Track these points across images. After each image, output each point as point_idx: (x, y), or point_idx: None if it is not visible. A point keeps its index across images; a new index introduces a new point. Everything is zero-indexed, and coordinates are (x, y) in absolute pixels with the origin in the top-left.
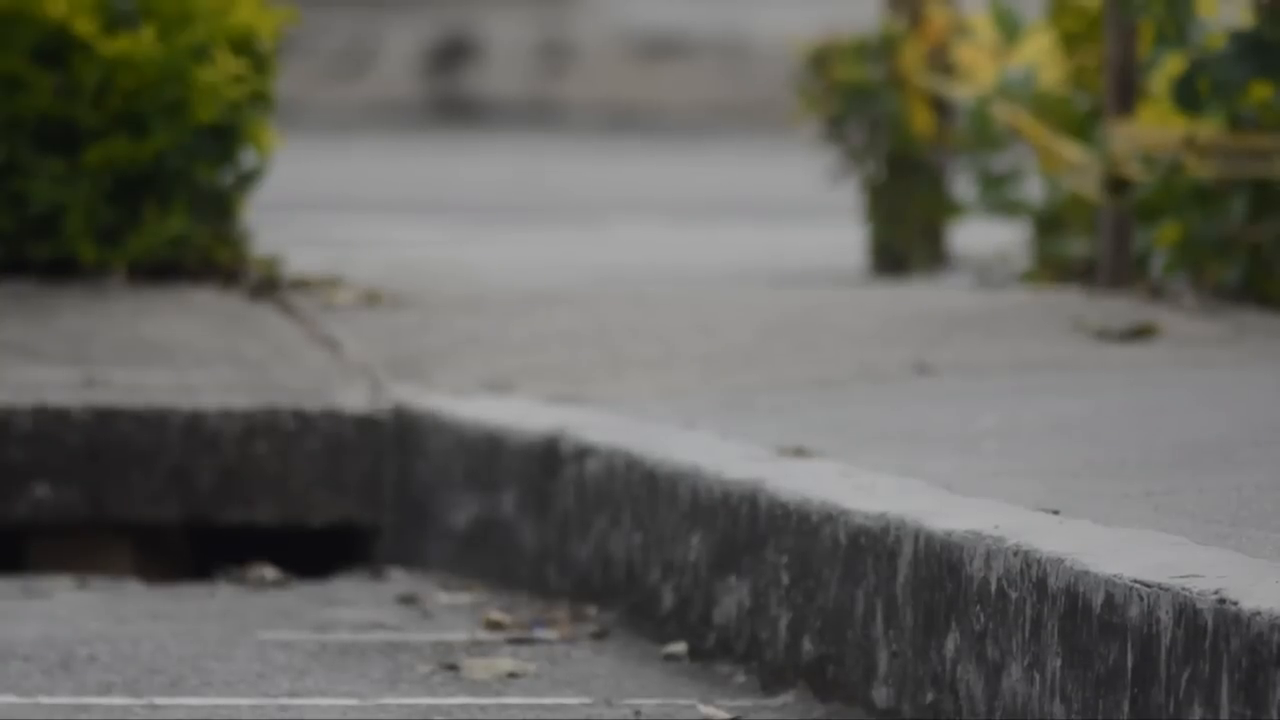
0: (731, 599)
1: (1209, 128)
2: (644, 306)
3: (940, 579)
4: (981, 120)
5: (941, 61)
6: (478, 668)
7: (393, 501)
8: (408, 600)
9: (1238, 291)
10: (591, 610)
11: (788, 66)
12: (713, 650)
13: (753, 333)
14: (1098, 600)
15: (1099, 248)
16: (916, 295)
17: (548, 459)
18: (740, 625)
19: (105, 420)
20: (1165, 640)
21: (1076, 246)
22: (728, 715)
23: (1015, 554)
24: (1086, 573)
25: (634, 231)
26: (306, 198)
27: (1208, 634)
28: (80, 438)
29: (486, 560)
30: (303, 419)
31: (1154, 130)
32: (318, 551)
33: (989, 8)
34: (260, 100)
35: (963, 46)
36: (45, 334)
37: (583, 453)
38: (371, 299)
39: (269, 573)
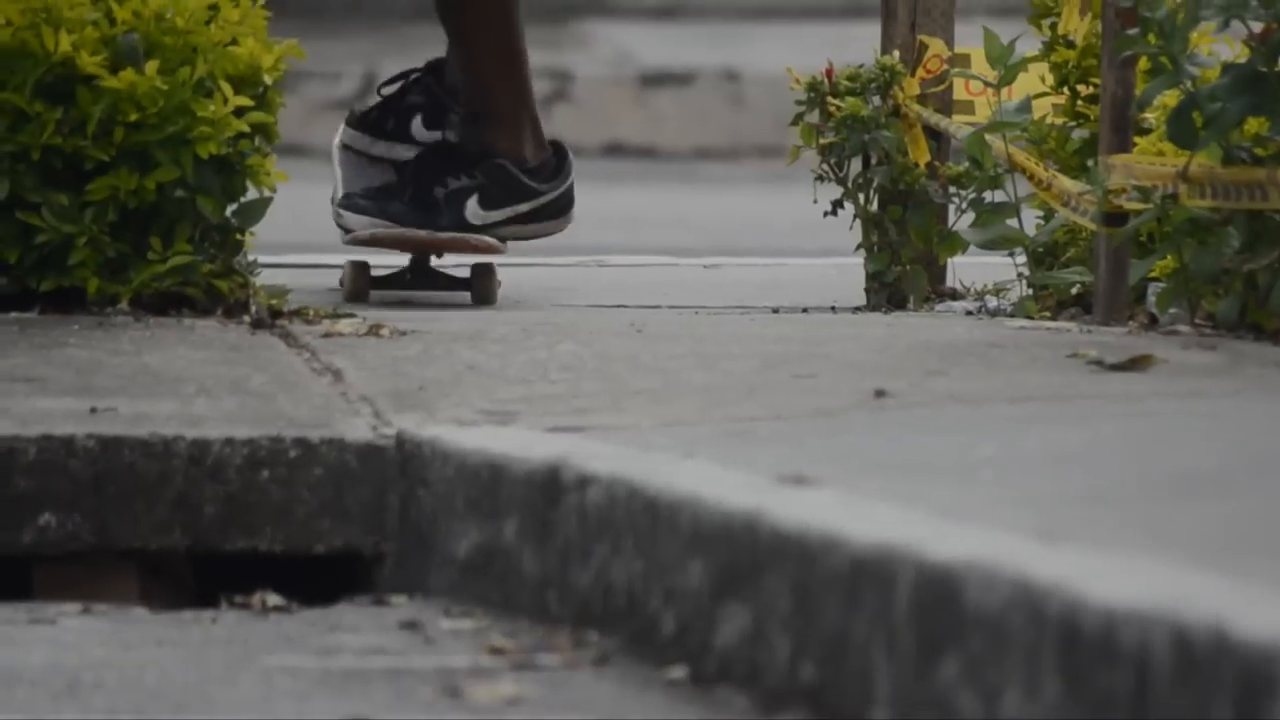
0: (732, 625)
1: (1203, 161)
2: (644, 337)
3: (938, 605)
4: (977, 152)
5: (938, 94)
6: (480, 693)
7: (395, 529)
8: (410, 626)
9: (1233, 322)
10: (593, 636)
11: (785, 100)
12: (714, 675)
13: (752, 364)
14: (1094, 626)
15: (1095, 279)
16: (914, 326)
17: (549, 488)
18: (741, 650)
19: (110, 449)
20: (1161, 667)
21: (1072, 278)
22: None
23: (1013, 581)
24: (1083, 599)
25: (633, 263)
26: (309, 231)
27: (1204, 661)
28: (85, 467)
29: (488, 587)
30: (306, 448)
31: (1149, 163)
32: (321, 579)
33: (984, 40)
34: (263, 134)
35: (958, 78)
36: (51, 365)
37: (584, 482)
38: (373, 330)
39: (272, 599)
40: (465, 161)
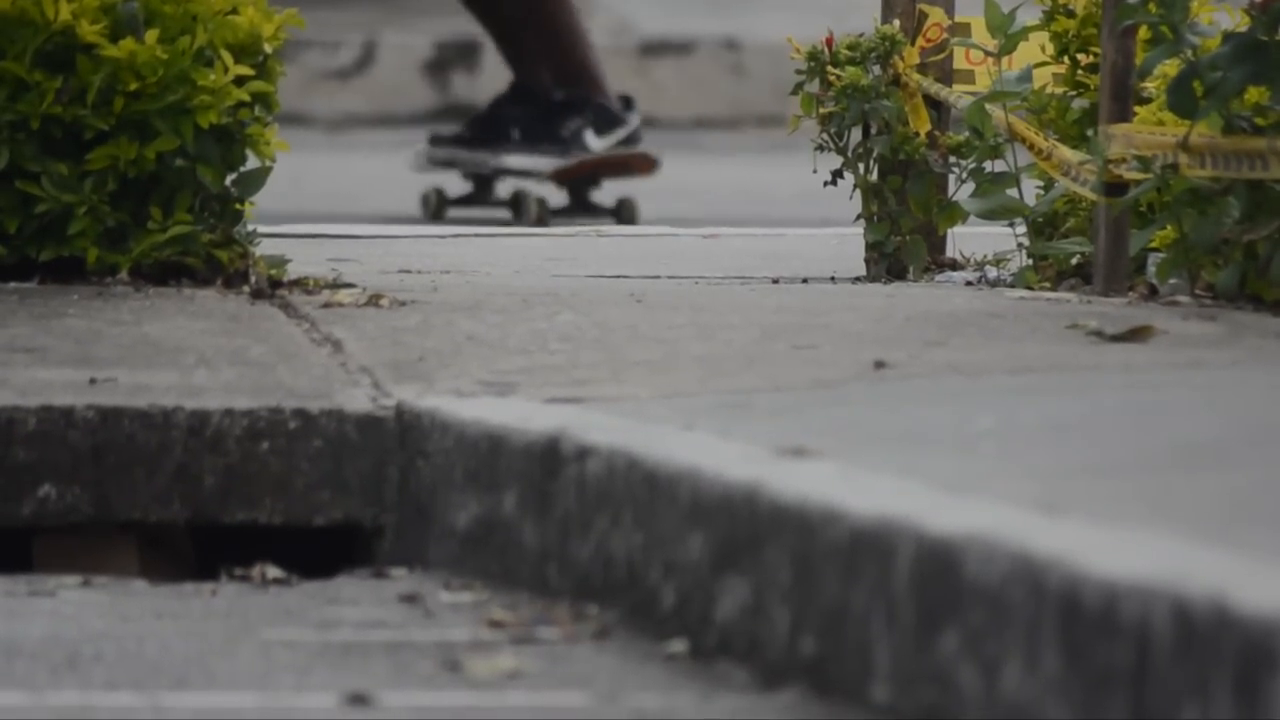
0: (732, 598)
1: (1204, 130)
2: (643, 308)
3: (938, 578)
4: (977, 121)
5: (938, 63)
6: (480, 666)
7: (395, 501)
8: (410, 599)
9: (1233, 292)
10: (593, 609)
11: (785, 69)
12: (714, 649)
13: (752, 334)
14: (1094, 600)
15: (1095, 249)
16: (914, 296)
17: (549, 459)
18: (741, 624)
19: (110, 420)
20: (1162, 640)
21: (1072, 248)
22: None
23: (1013, 554)
24: (1083, 572)
25: (632, 233)
26: (309, 200)
27: (1204, 634)
28: (85, 438)
29: (488, 560)
30: (305, 419)
31: (1149, 133)
32: (320, 551)
33: (984, 8)
34: (263, 103)
35: (959, 47)
36: (50, 335)
37: (584, 453)
38: (373, 300)
39: (272, 572)
40: (575, 108)
